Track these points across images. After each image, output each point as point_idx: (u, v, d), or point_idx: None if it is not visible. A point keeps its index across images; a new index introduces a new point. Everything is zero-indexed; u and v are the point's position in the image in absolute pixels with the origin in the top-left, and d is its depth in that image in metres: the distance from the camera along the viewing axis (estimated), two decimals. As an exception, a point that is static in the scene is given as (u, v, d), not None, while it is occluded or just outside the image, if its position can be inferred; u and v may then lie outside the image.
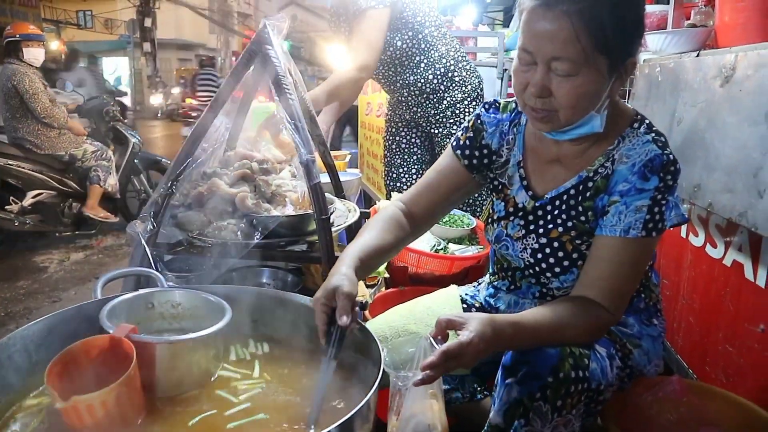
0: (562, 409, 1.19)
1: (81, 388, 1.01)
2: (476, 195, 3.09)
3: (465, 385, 1.61)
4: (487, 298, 1.61)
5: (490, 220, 1.53)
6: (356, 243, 1.37)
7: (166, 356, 1.14)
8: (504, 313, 1.46)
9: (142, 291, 1.35)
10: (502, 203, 1.49)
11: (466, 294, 1.70)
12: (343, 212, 1.85)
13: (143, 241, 1.56)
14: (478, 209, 3.05)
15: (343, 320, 1.14)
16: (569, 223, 1.35)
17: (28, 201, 4.30)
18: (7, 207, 4.24)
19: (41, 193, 4.37)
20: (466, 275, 2.47)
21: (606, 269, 1.27)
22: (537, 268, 1.40)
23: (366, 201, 4.88)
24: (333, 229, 1.62)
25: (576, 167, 1.37)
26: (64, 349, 1.09)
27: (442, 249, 2.54)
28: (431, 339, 1.11)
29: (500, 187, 1.50)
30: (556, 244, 1.37)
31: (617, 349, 1.36)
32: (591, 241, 1.32)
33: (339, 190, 1.99)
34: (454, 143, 1.52)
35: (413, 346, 1.25)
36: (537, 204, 1.41)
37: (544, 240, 1.38)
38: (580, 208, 1.34)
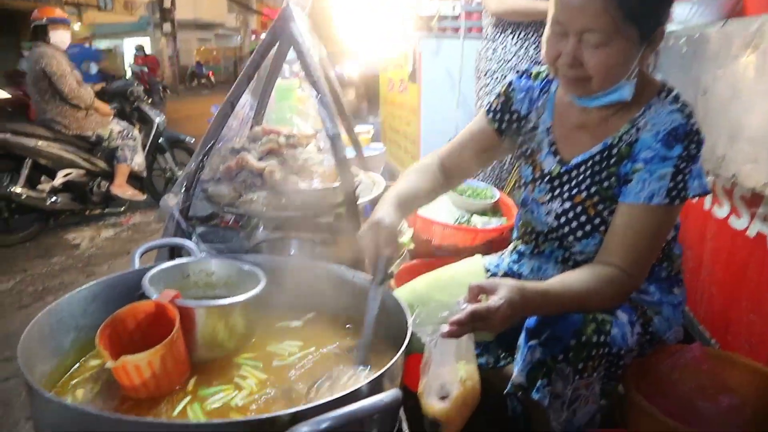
0: (584, 372, 1.23)
1: (129, 350, 1.07)
2: (501, 168, 3.11)
3: (489, 351, 1.65)
4: (511, 264, 1.65)
5: (517, 184, 1.58)
6: (396, 187, 1.46)
7: (205, 320, 1.20)
8: (530, 280, 1.49)
9: (179, 260, 1.41)
10: (530, 168, 1.53)
11: (490, 263, 1.73)
12: (368, 185, 1.88)
13: (176, 214, 1.62)
14: (503, 183, 3.06)
15: (386, 251, 1.24)
16: (593, 189, 1.38)
17: (58, 180, 4.39)
18: (38, 186, 4.33)
19: (71, 173, 4.45)
20: (489, 247, 2.50)
21: (628, 236, 1.29)
22: (560, 232, 1.44)
23: (389, 175, 4.90)
24: (358, 201, 1.66)
25: (601, 134, 1.39)
26: (108, 314, 1.15)
27: (465, 221, 2.57)
28: (462, 302, 1.14)
29: (529, 152, 1.54)
30: (579, 209, 1.39)
31: (638, 316, 1.39)
32: (613, 207, 1.34)
33: (364, 164, 2.03)
34: (488, 107, 1.58)
35: (443, 311, 1.25)
36: (563, 169, 1.44)
37: (568, 204, 1.41)
38: (604, 174, 1.36)
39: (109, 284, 1.30)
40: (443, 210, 2.64)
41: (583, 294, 1.24)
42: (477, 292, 1.16)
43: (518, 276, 1.60)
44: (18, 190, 4.16)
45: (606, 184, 1.36)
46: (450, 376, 1.17)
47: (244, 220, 1.60)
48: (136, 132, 4.86)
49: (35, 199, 4.26)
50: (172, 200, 1.67)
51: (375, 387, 0.91)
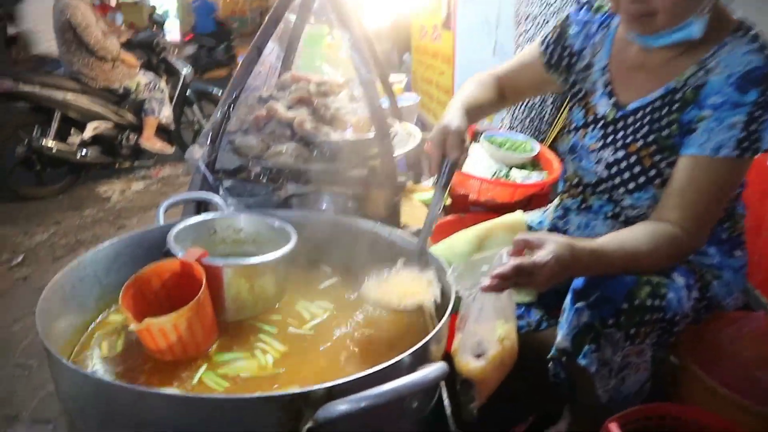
0: (635, 338, 1.14)
1: (154, 311, 1.01)
2: (540, 119, 2.96)
3: (530, 314, 1.57)
4: (555, 221, 1.55)
5: (566, 130, 1.45)
6: (460, 96, 1.42)
7: (234, 280, 1.13)
8: (579, 238, 1.39)
9: (205, 216, 1.34)
10: (582, 111, 1.42)
11: (532, 220, 1.63)
12: (404, 137, 1.77)
13: (202, 167, 1.54)
14: (543, 135, 2.92)
15: (453, 155, 1.22)
16: (651, 137, 1.26)
17: (88, 133, 4.38)
18: (69, 140, 4.34)
19: (100, 126, 4.44)
20: (528, 203, 2.38)
21: (689, 192, 1.18)
22: (610, 183, 1.33)
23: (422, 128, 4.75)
24: (394, 154, 1.56)
25: (664, 76, 1.26)
26: (131, 272, 1.10)
27: (503, 175, 2.45)
28: (505, 254, 1.05)
29: (582, 93, 1.43)
30: (633, 159, 1.28)
31: (696, 279, 1.28)
32: (671, 159, 1.23)
33: (398, 115, 1.91)
34: (542, 38, 1.49)
35: (483, 266, 1.18)
36: (619, 114, 1.33)
37: (621, 153, 1.30)
38: (665, 122, 1.24)
39: (133, 241, 1.24)
40: (480, 163, 2.51)
41: (637, 253, 1.14)
42: (522, 246, 1.07)
43: (563, 233, 1.50)
44: (49, 143, 4.18)
45: (666, 132, 1.24)
46: (487, 333, 1.09)
47: (272, 173, 1.51)
48: (163, 84, 4.79)
49: (66, 152, 4.27)
50: (197, 152, 1.59)
51: (419, 356, 0.83)
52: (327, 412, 0.69)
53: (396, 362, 0.78)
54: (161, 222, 1.32)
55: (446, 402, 1.17)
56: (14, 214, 3.90)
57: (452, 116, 1.29)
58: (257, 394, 0.72)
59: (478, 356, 1.08)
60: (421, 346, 0.84)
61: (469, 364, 1.06)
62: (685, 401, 1.35)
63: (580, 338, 1.16)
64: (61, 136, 4.29)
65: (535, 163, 2.62)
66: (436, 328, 0.88)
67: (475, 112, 1.42)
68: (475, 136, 2.86)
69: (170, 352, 1.03)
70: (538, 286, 1.05)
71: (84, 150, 4.38)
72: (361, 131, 1.54)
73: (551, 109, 2.94)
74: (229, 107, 1.59)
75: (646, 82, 1.29)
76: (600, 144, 1.35)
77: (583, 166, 1.40)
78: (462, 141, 1.25)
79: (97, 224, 3.76)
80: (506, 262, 1.01)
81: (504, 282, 0.99)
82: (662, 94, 1.25)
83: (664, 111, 1.25)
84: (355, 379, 0.73)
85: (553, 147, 2.90)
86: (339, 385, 0.72)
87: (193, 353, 1.05)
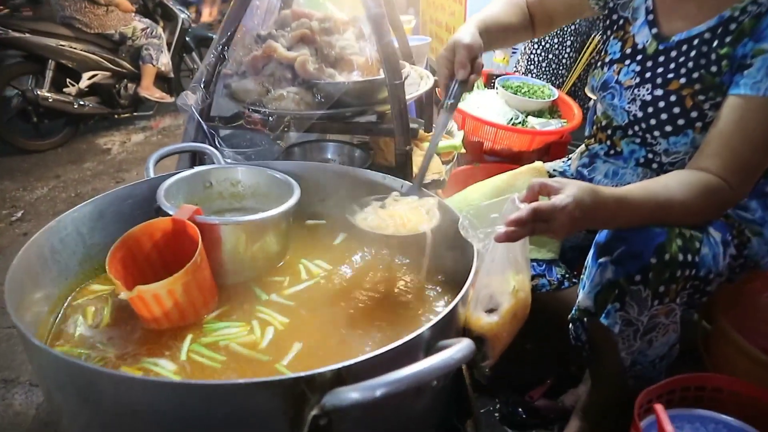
0: (665, 296, 1.04)
1: (146, 275, 0.91)
2: (558, 63, 2.79)
3: (552, 272, 1.46)
4: (580, 169, 1.42)
5: (600, 63, 1.31)
6: (481, 13, 1.34)
7: (232, 239, 1.02)
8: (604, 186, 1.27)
9: (199, 168, 1.22)
10: (619, 43, 1.28)
11: (555, 170, 1.51)
12: (415, 79, 1.62)
13: (196, 114, 1.41)
14: (561, 80, 2.75)
15: (460, 73, 1.15)
16: (695, 74, 1.13)
17: (84, 83, 4.23)
18: (65, 90, 4.19)
19: (96, 75, 4.28)
20: (546, 153, 2.25)
21: (736, 137, 1.05)
22: (644, 125, 1.20)
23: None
24: (406, 98, 1.41)
25: (717, 4, 1.12)
26: (119, 231, 0.99)
27: (520, 123, 2.30)
28: (517, 199, 0.94)
29: (620, 22, 1.29)
30: (673, 98, 1.15)
31: (734, 235, 1.17)
32: (717, 100, 1.10)
33: (408, 56, 1.75)
34: None
35: (494, 213, 1.06)
36: (661, 47, 1.19)
37: (659, 92, 1.17)
38: (713, 56, 1.10)
39: (118, 198, 1.13)
40: (495, 109, 2.36)
41: (670, 203, 1.03)
42: (537, 190, 0.95)
43: (590, 180, 1.37)
44: (44, 93, 4.03)
45: (714, 68, 1.10)
46: (500, 286, 1.00)
47: (273, 120, 1.37)
48: (160, 30, 4.59)
49: (62, 103, 4.13)
50: (190, 98, 1.46)
51: (441, 329, 0.72)
52: (336, 399, 0.58)
53: (414, 338, 0.67)
54: (151, 175, 1.21)
55: (465, 373, 1.08)
56: (13, 169, 3.80)
57: (465, 32, 1.20)
58: (254, 379, 0.61)
59: (490, 311, 1.00)
60: (442, 319, 0.73)
61: (480, 320, 0.97)
62: (718, 368, 1.26)
63: (604, 296, 1.06)
64: (57, 86, 4.13)
65: (553, 110, 2.48)
66: (460, 295, 0.77)
67: (494, 34, 1.30)
68: (489, 81, 2.69)
69: (166, 320, 0.93)
70: (556, 233, 0.93)
71: (81, 101, 4.24)
72: (369, 73, 1.39)
73: (570, 52, 2.77)
74: (223, 48, 1.45)
75: (696, 10, 1.14)
76: (636, 80, 1.22)
77: (615, 104, 1.27)
78: (473, 58, 1.17)
79: (97, 177, 3.66)
80: (519, 206, 0.90)
81: (520, 229, 0.89)
82: (714, 24, 1.11)
83: (715, 44, 1.10)
84: (367, 360, 0.62)
85: (571, 93, 2.73)
86: (349, 366, 0.61)
87: (191, 319, 0.95)
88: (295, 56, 1.38)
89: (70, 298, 1.03)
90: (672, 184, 1.05)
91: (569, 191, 0.92)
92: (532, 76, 2.74)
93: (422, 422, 0.87)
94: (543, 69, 2.81)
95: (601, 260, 1.05)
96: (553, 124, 2.29)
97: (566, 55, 2.77)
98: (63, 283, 1.02)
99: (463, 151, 1.91)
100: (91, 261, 1.07)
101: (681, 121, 1.16)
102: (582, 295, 1.10)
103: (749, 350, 1.18)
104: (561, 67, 2.79)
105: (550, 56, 2.80)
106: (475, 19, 1.28)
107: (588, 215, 0.93)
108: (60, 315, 0.99)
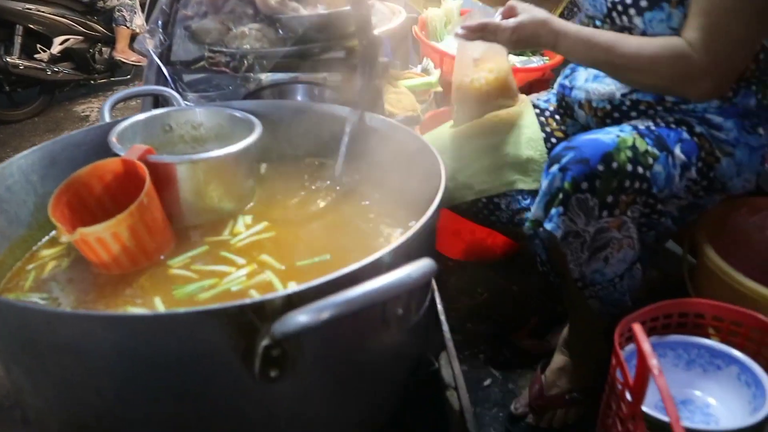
0: (614, 207, 1.02)
1: (98, 220, 0.86)
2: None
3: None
4: (562, 81, 1.37)
5: None
6: None
7: (188, 178, 0.97)
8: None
9: (156, 111, 1.15)
10: None
11: (539, 99, 1.45)
12: (386, 14, 1.54)
13: (155, 58, 1.33)
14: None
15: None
16: None
17: (56, 48, 4.09)
18: (36, 56, 4.05)
19: (68, 39, 4.14)
20: (529, 91, 2.17)
21: (716, 11, 1.00)
22: (621, 7, 1.13)
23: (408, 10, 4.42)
24: (375, 32, 1.33)
25: None
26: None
27: (501, 61, 2.22)
28: (498, 15, 1.12)
29: None
30: None
31: (700, 157, 1.12)
32: None
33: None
34: None
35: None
36: None
37: None
38: None
39: (71, 143, 1.07)
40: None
41: (637, 56, 1.06)
42: (508, 14, 1.10)
43: (570, 90, 1.33)
44: (14, 60, 3.89)
45: None
46: (482, 63, 1.34)
47: (236, 60, 1.30)
48: (132, -11, 4.43)
49: (34, 69, 3.99)
50: (149, 43, 1.38)
51: (403, 254, 0.67)
52: (284, 325, 0.53)
53: (372, 261, 0.62)
54: (107, 119, 1.14)
55: (440, 307, 1.04)
56: (-12, 140, 3.71)
57: None
58: (196, 308, 0.57)
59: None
60: (406, 241, 0.68)
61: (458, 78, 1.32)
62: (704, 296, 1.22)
63: (550, 203, 1.03)
64: (29, 53, 4.00)
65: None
66: (421, 221, 0.72)
67: None
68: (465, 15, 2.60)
69: (116, 265, 0.88)
70: (506, 43, 1.10)
71: (55, 67, 4.10)
72: (335, 5, 1.32)
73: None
74: (179, -15, 1.36)
75: None
76: None
77: None
78: None
79: (76, 145, 3.58)
80: (482, 17, 1.10)
81: (471, 34, 1.10)
82: None
83: None
84: (319, 285, 0.57)
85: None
86: (299, 292, 0.57)
87: (143, 263, 0.90)
88: (255, -10, 1.30)
89: (27, 253, 0.97)
90: (643, 40, 1.08)
91: (520, 18, 1.07)
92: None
93: (396, 363, 0.83)
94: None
95: (551, 169, 1.04)
96: (535, 62, 2.22)
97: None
98: (15, 233, 0.96)
99: (439, 89, 1.83)
100: (44, 211, 1.01)
101: None
102: (534, 207, 1.09)
103: (735, 277, 1.15)
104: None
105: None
106: None
107: (541, 27, 1.07)
108: (13, 268, 0.94)
